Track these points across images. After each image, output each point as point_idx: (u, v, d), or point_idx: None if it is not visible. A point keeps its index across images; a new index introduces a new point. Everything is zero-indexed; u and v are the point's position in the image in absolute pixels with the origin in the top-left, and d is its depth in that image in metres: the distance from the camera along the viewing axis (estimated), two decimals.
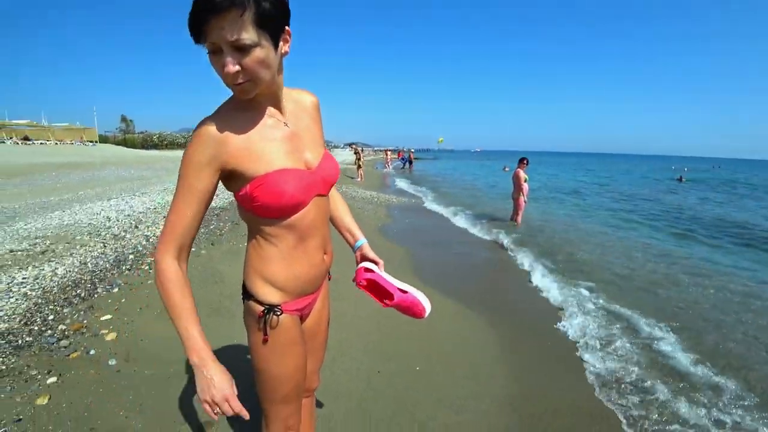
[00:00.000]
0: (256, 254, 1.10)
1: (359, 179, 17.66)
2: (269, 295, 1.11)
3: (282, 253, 1.09)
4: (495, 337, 3.30)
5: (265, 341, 1.11)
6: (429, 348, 3.01)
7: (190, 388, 2.27)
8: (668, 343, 3.38)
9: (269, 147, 1.02)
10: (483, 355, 3.02)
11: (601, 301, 4.24)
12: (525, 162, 8.64)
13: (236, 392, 1.00)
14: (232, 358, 2.65)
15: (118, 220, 6.28)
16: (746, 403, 2.64)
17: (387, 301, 1.37)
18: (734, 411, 2.56)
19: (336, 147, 60.77)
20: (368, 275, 1.37)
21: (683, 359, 3.15)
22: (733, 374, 2.98)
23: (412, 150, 32.36)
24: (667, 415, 2.47)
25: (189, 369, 2.48)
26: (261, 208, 1.02)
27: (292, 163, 1.04)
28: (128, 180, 13.54)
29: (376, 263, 1.43)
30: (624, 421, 2.37)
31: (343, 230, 1.44)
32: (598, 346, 3.24)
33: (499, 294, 4.53)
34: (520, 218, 8.50)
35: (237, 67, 0.88)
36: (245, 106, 1.02)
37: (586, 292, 4.46)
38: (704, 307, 4.36)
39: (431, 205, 11.17)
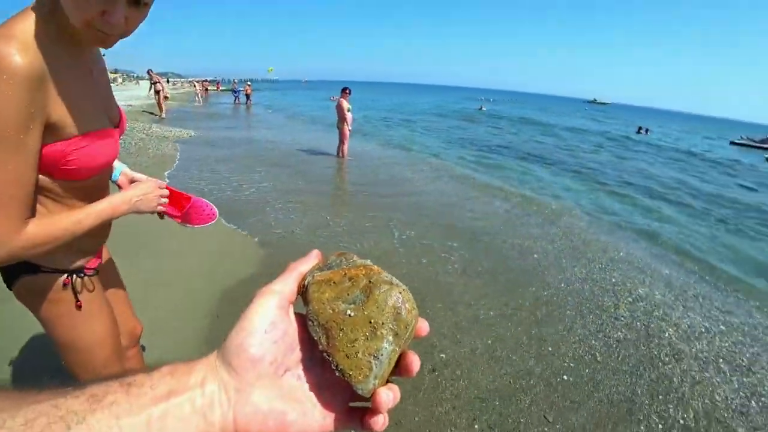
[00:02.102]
0: None
1: (162, 114, 14.53)
2: (70, 259, 1.03)
3: None
4: None
5: (79, 307, 1.04)
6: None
7: None
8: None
9: (88, 100, 0.90)
10: None
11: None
12: (347, 92, 8.78)
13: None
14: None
15: None
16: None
17: (185, 204, 1.30)
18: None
19: (141, 79, 49.67)
20: None
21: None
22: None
23: (249, 82, 26.37)
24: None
25: None
26: (69, 171, 0.89)
27: (104, 122, 0.96)
28: None
29: None
30: None
31: None
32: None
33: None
34: (346, 148, 8.80)
35: (123, 20, 0.80)
36: (59, 37, 0.82)
37: None
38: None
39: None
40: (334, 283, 0.36)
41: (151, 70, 15.81)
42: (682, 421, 2.19)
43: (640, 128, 30.61)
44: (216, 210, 1.38)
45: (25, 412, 0.27)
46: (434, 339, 2.64)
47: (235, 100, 24.70)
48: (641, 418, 2.17)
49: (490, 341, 2.67)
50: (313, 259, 0.40)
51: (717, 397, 2.42)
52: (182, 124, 12.40)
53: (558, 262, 4.08)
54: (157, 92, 14.62)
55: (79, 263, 1.05)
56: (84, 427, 0.27)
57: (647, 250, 5.06)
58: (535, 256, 4.20)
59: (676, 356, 2.76)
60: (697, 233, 6.36)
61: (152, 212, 1.15)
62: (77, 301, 1.04)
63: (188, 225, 1.34)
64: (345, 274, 0.37)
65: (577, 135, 21.99)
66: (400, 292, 0.35)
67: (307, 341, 0.37)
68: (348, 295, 0.36)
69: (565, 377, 2.41)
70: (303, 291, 0.37)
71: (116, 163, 1.27)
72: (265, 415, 0.33)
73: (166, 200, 1.17)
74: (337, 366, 0.34)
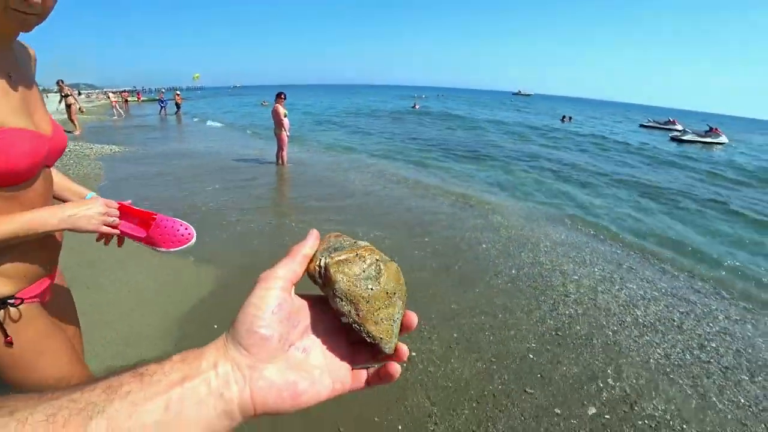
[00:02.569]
0: None
1: (77, 130, 12.95)
2: None
3: None
4: None
5: (9, 343, 0.92)
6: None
7: None
8: None
9: (1, 97, 0.85)
10: None
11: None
12: (283, 97, 8.58)
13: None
14: None
15: None
16: None
17: (151, 223, 1.15)
18: None
19: (48, 91, 44.76)
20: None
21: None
22: None
23: (178, 92, 25.04)
24: None
25: None
26: None
27: (24, 123, 0.88)
28: None
29: None
30: None
31: (64, 192, 1.17)
32: None
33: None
34: (285, 154, 8.60)
35: None
36: None
37: None
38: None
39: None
40: (350, 262, 0.41)
41: (61, 81, 14.31)
42: (634, 380, 2.43)
43: (564, 117, 32.98)
44: (193, 231, 1.22)
45: (45, 408, 0.28)
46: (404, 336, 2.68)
47: (161, 111, 22.84)
48: (601, 383, 2.37)
49: (455, 333, 2.77)
50: (314, 240, 0.43)
51: (658, 355, 2.71)
52: (103, 140, 11.42)
53: (506, 250, 4.31)
54: (68, 106, 13.13)
55: (6, 291, 0.93)
56: (104, 417, 0.29)
57: (581, 231, 5.50)
58: (484, 246, 4.40)
59: (621, 324, 3.05)
60: (620, 212, 7.02)
61: (96, 232, 1.01)
62: (6, 336, 0.92)
63: (159, 248, 1.18)
64: (356, 254, 0.41)
65: (503, 127, 23.30)
66: (397, 268, 0.44)
67: (308, 317, 0.41)
68: (364, 272, 0.41)
69: (531, 356, 2.57)
70: (320, 271, 0.41)
71: (84, 189, 1.18)
72: (279, 388, 0.36)
73: (115, 219, 1.03)
74: (368, 333, 0.40)
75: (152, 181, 6.78)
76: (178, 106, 23.14)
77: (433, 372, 2.37)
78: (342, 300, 0.40)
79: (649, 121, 36.98)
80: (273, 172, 8.02)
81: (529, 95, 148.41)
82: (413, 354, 2.51)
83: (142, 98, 38.42)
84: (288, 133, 8.50)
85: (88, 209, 0.98)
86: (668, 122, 33.83)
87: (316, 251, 0.42)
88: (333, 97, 57.26)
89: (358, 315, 0.40)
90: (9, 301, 0.92)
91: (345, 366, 0.41)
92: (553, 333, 2.84)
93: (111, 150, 9.69)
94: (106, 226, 1.01)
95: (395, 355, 0.42)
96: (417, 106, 36.50)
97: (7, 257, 0.91)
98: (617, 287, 3.66)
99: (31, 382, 0.98)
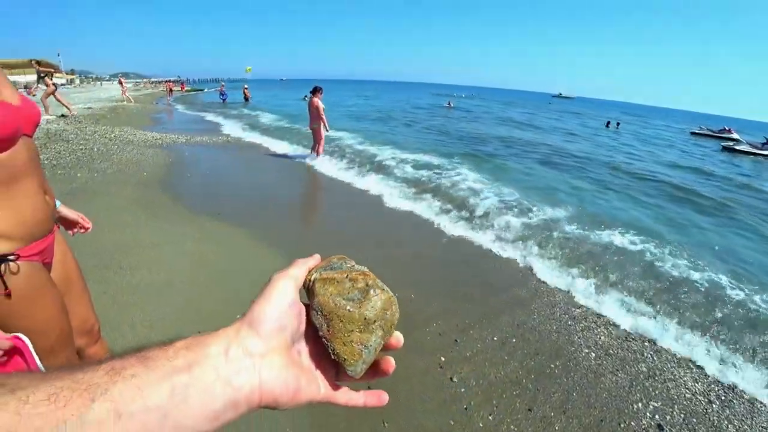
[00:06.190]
0: None
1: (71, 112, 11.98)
2: None
3: None
4: None
5: (8, 295, 1.00)
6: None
7: None
8: None
9: None
10: None
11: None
12: (320, 91, 8.53)
13: None
14: None
15: None
16: None
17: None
18: None
19: (99, 79, 47.56)
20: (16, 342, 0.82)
21: None
22: None
23: (246, 85, 27.36)
24: None
25: None
26: None
27: None
28: None
29: (74, 224, 1.47)
30: None
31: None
32: None
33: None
34: (321, 148, 8.57)
35: None
36: None
37: None
38: None
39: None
40: (337, 281, 0.42)
41: (35, 61, 13.63)
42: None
43: (608, 122, 30.40)
44: None
45: (47, 388, 0.27)
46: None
47: (224, 101, 24.68)
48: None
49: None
50: (316, 259, 0.45)
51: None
52: (156, 128, 11.87)
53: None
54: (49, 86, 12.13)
55: (4, 249, 1.00)
56: (108, 398, 0.28)
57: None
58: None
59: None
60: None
61: None
62: (6, 288, 0.99)
63: None
64: (347, 275, 0.43)
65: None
66: (390, 298, 0.42)
67: (304, 323, 0.42)
68: (348, 293, 0.41)
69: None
70: (308, 285, 0.43)
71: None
72: (285, 380, 0.36)
73: None
74: (333, 350, 0.40)
75: (184, 171, 6.94)
76: (246, 99, 25.19)
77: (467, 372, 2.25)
78: (317, 312, 0.41)
79: (701, 128, 33.98)
80: (304, 169, 8.00)
81: (570, 98, 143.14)
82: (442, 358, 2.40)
83: (186, 88, 39.76)
84: (328, 128, 8.46)
85: None
86: (723, 130, 30.72)
87: (315, 267, 0.44)
88: (366, 91, 56.83)
89: (328, 331, 0.40)
90: (9, 257, 1.00)
91: (329, 376, 0.42)
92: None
93: (153, 137, 9.93)
94: None
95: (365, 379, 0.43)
96: (451, 104, 35.05)
97: (4, 220, 1.00)
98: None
99: (21, 329, 0.98)
